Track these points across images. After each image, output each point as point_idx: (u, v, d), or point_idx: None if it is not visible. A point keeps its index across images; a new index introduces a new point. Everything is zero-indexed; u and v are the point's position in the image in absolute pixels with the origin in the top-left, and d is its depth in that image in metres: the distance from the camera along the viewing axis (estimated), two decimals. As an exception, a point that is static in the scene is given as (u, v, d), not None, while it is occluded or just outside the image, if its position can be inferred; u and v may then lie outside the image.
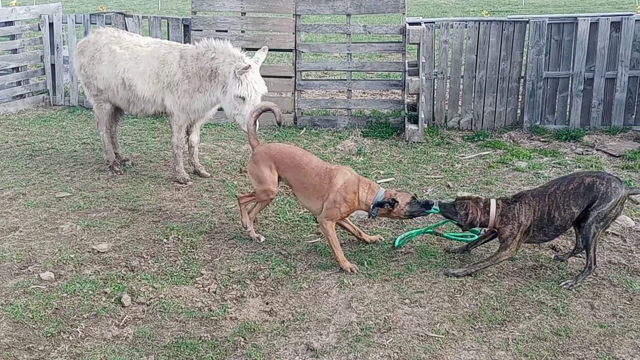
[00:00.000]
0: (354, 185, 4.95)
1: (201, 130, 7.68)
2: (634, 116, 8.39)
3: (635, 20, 8.10)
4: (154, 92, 6.55)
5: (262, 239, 5.40)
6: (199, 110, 6.52)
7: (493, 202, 4.75)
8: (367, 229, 5.62)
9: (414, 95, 8.40)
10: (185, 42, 8.41)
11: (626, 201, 4.76)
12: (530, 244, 5.08)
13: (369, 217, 5.13)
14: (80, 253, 5.19)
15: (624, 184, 4.70)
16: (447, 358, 3.85)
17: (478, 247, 5.18)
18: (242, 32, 8.99)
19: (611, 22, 8.12)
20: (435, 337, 4.05)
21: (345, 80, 8.99)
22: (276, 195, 5.46)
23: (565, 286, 4.60)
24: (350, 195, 4.92)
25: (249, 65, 6.01)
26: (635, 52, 8.18)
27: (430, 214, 5.25)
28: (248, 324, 4.23)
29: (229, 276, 4.85)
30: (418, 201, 4.95)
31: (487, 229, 4.92)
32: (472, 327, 4.15)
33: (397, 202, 4.86)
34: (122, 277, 4.82)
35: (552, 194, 4.65)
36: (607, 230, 5.02)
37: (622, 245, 5.25)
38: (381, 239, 5.36)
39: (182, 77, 6.39)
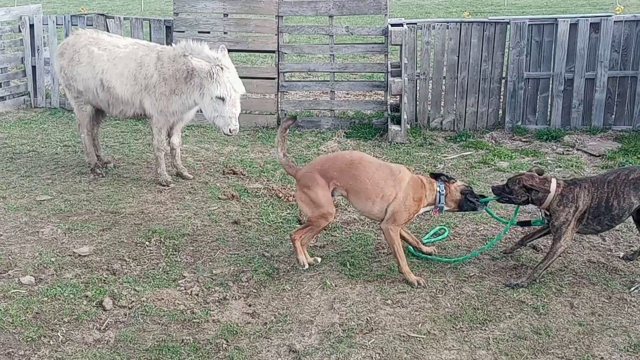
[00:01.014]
0: (418, 181, 4.74)
1: (183, 132, 7.66)
2: (613, 116, 8.49)
3: (614, 21, 8.20)
4: (132, 94, 6.52)
5: (319, 260, 4.98)
6: (177, 113, 6.49)
7: (554, 180, 4.65)
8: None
9: (397, 96, 8.43)
10: (167, 44, 8.38)
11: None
12: (580, 234, 4.97)
13: (439, 211, 4.84)
14: (61, 256, 5.16)
15: None
16: (428, 358, 3.88)
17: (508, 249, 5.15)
18: (225, 33, 8.97)
19: (590, 23, 8.22)
20: (416, 337, 4.08)
21: (329, 81, 9.01)
22: (335, 217, 5.02)
23: (635, 291, 4.54)
24: (419, 192, 4.69)
25: (223, 62, 6.00)
26: (614, 52, 8.28)
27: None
28: (230, 326, 4.23)
29: (212, 278, 4.84)
30: (472, 191, 4.82)
31: (541, 208, 4.73)
32: (453, 327, 4.18)
33: (453, 179, 4.74)
34: (104, 280, 4.79)
35: (611, 181, 4.56)
36: None
37: (601, 244, 5.32)
38: (435, 252, 5.11)
39: (159, 79, 6.36)
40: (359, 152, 5.05)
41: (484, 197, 4.89)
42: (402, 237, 4.97)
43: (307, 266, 4.81)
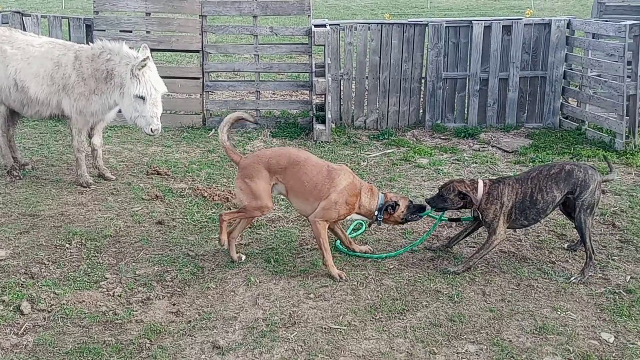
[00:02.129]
0: (356, 189, 4.83)
1: (106, 132, 7.53)
2: (525, 114, 8.96)
3: (524, 24, 8.65)
4: (48, 95, 6.36)
5: (243, 258, 5.07)
6: (97, 113, 6.39)
7: (480, 181, 4.92)
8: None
9: (321, 96, 8.59)
10: (87, 43, 8.20)
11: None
12: (512, 229, 5.21)
13: (374, 223, 5.01)
14: (-25, 262, 4.99)
15: (597, 170, 4.98)
16: (349, 348, 4.02)
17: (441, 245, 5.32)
18: (148, 32, 8.87)
19: (503, 26, 8.64)
20: (338, 328, 4.21)
21: (254, 81, 9.07)
22: (270, 211, 5.09)
23: (574, 281, 4.79)
24: (352, 199, 4.80)
25: (147, 57, 5.96)
26: (525, 54, 8.74)
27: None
28: (154, 325, 4.23)
29: (135, 279, 4.82)
30: (414, 205, 5.00)
31: (473, 209, 4.98)
32: (373, 318, 4.34)
33: (399, 205, 4.85)
34: (22, 284, 4.68)
35: (534, 177, 4.87)
36: (594, 216, 5.09)
37: (512, 235, 5.62)
38: (370, 250, 5.23)
39: (78, 79, 6.24)
40: (305, 152, 5.12)
41: (423, 209, 5.06)
42: (335, 233, 5.13)
43: (226, 245, 4.98)
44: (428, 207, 5.10)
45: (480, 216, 4.94)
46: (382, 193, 4.96)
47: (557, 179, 4.84)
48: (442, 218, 5.28)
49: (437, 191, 5.12)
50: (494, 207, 4.85)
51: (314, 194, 4.80)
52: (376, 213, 4.88)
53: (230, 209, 5.78)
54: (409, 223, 5.25)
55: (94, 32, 8.72)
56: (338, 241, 5.25)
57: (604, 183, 5.06)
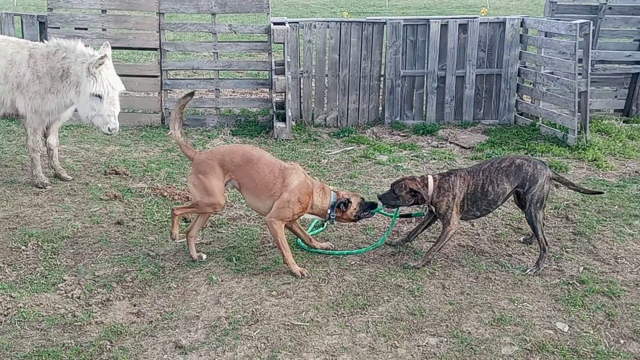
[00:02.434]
0: (308, 188, 4.85)
1: (61, 132, 7.39)
2: (481, 111, 9.14)
3: (480, 23, 8.82)
4: (2, 94, 6.20)
5: (204, 257, 5.05)
6: (53, 112, 6.26)
7: (430, 177, 5.02)
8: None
9: (282, 94, 8.60)
10: (42, 41, 8.02)
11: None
12: (465, 220, 5.30)
13: (327, 222, 5.06)
14: None
15: (548, 165, 5.12)
16: (312, 344, 4.05)
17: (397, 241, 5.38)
18: (104, 30, 8.72)
19: (459, 24, 8.80)
20: (300, 325, 4.23)
21: (213, 79, 9.01)
22: (223, 208, 5.11)
23: (530, 273, 4.90)
24: (305, 197, 4.82)
25: (105, 55, 5.88)
26: (481, 52, 8.92)
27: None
28: (114, 327, 4.18)
29: (94, 280, 4.75)
30: (366, 202, 5.05)
31: (426, 205, 5.07)
32: (335, 313, 4.38)
33: (351, 202, 4.89)
34: (-24, 288, 4.56)
35: (486, 169, 5.00)
36: (545, 209, 5.21)
37: (470, 229, 5.74)
38: (331, 246, 5.26)
39: (32, 77, 6.11)
40: (260, 150, 5.12)
41: (375, 206, 5.12)
42: (294, 232, 5.15)
43: (177, 238, 5.08)
44: (380, 203, 5.16)
45: (434, 209, 5.05)
46: (334, 192, 5.02)
47: (508, 172, 4.98)
48: (397, 215, 5.35)
49: (390, 188, 5.20)
50: (446, 199, 4.96)
51: (266, 193, 4.84)
52: (329, 211, 4.93)
53: (185, 220, 5.73)
54: (362, 220, 5.31)
55: (47, 29, 8.53)
56: (299, 238, 5.28)
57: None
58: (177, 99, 5.30)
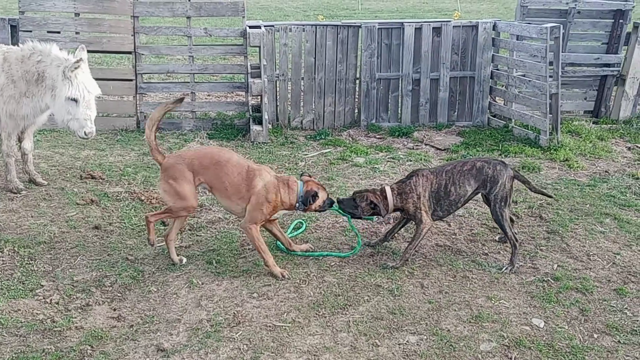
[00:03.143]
0: (275, 187, 4.86)
1: (35, 136, 7.31)
2: (456, 113, 9.27)
3: (453, 26, 8.96)
4: (-25, 98, 6.12)
5: (184, 260, 5.07)
6: (28, 117, 6.19)
7: (387, 188, 5.11)
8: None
9: (258, 97, 8.61)
10: (13, 44, 7.91)
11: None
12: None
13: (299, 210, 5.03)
14: None
15: (509, 166, 5.24)
16: (294, 345, 4.08)
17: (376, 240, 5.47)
18: (77, 33, 8.63)
19: (433, 28, 8.91)
20: (282, 326, 4.26)
21: (189, 82, 8.98)
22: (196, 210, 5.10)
23: (506, 271, 5.01)
24: (272, 196, 4.83)
25: (80, 58, 5.83)
26: (454, 55, 9.05)
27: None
28: (95, 331, 4.16)
29: (73, 285, 4.71)
30: (329, 197, 5.09)
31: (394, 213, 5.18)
32: (316, 314, 4.42)
33: (319, 196, 4.92)
34: (-49, 295, 4.50)
35: (449, 170, 5.14)
36: (510, 206, 5.26)
37: (447, 229, 5.83)
38: (311, 248, 5.30)
39: (7, 81, 6.03)
40: (229, 151, 5.13)
41: (332, 203, 5.13)
42: (274, 235, 5.18)
43: (155, 244, 5.09)
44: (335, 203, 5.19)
45: (405, 213, 5.17)
46: (300, 180, 5.00)
47: (469, 175, 5.15)
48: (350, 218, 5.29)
49: (352, 195, 5.25)
50: (411, 200, 5.08)
51: (236, 195, 4.87)
52: (297, 205, 4.95)
53: (163, 223, 5.71)
54: (340, 223, 5.35)
55: (19, 33, 8.42)
56: (279, 241, 5.30)
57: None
58: (163, 102, 5.24)
